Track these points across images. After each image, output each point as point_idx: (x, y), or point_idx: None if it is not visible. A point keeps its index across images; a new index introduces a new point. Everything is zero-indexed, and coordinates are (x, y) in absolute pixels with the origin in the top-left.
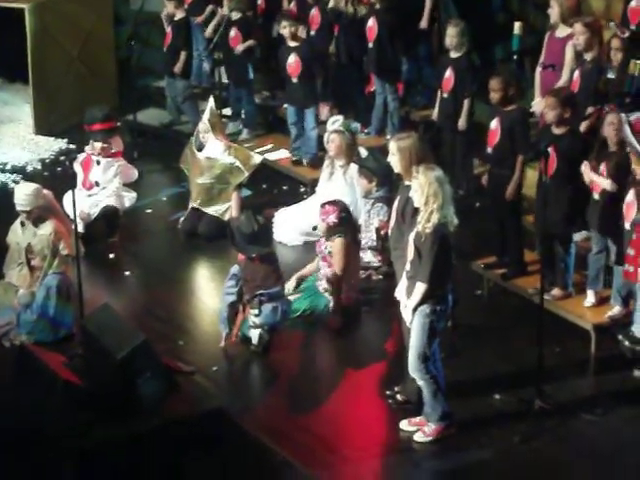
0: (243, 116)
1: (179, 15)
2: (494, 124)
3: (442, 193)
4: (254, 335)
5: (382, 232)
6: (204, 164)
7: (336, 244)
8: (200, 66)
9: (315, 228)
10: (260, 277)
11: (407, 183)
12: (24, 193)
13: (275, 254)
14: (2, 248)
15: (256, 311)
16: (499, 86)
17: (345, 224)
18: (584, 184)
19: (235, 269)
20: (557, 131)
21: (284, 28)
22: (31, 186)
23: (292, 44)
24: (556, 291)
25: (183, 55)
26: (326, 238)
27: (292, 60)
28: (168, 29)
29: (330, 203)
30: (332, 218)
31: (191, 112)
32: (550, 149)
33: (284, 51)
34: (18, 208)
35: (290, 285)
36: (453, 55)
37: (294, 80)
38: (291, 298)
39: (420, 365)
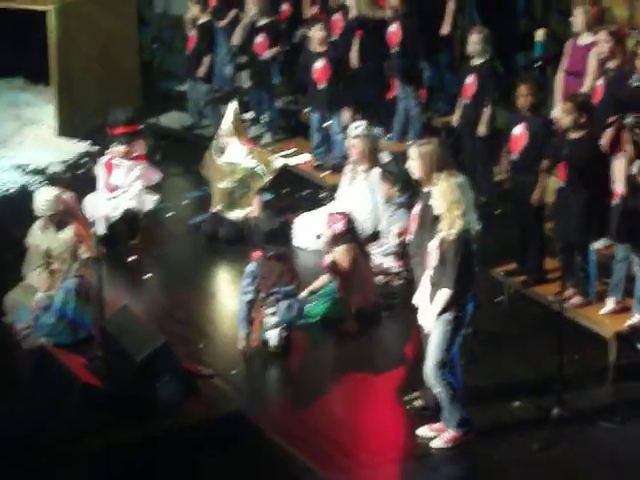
0: (264, 120)
1: (203, 19)
2: (519, 130)
3: (465, 199)
4: (272, 336)
5: (403, 238)
6: (225, 169)
7: (340, 250)
8: (222, 70)
9: (319, 236)
10: (276, 275)
11: (427, 190)
12: (44, 199)
13: (291, 253)
14: (23, 249)
15: (272, 309)
16: (529, 91)
17: (350, 234)
18: (602, 190)
19: (251, 267)
20: (573, 136)
21: (316, 32)
22: (51, 192)
23: (320, 49)
24: (575, 299)
25: (207, 59)
26: (329, 248)
27: (320, 65)
28: (192, 33)
29: (339, 212)
30: (339, 226)
31: (213, 116)
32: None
33: (309, 56)
34: (38, 214)
35: (303, 296)
36: (475, 62)
37: (321, 85)
38: (310, 303)
39: (437, 372)
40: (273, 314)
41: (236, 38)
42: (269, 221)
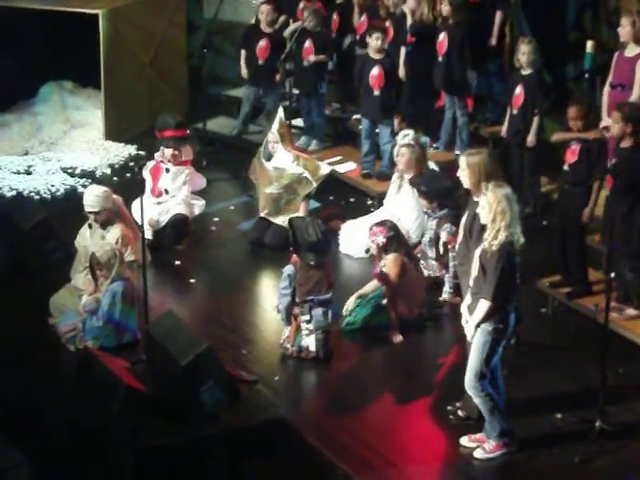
0: (307, 127)
1: (270, 28)
2: (574, 144)
3: (510, 211)
4: (311, 343)
5: (450, 246)
6: (272, 174)
7: (389, 260)
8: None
9: (368, 251)
10: (313, 282)
11: (476, 199)
12: (94, 194)
13: (330, 261)
14: (70, 251)
15: (307, 317)
16: (578, 115)
17: (395, 242)
18: None
19: (288, 270)
20: (622, 145)
21: (374, 40)
22: (101, 188)
23: (376, 56)
24: (630, 311)
25: (281, 65)
26: (379, 258)
27: (376, 72)
28: (262, 42)
29: (378, 224)
30: (380, 239)
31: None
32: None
33: (364, 63)
34: (87, 209)
35: (349, 303)
36: (524, 72)
37: (376, 92)
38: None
39: (476, 383)
40: (308, 322)
41: (289, 31)
42: (312, 229)
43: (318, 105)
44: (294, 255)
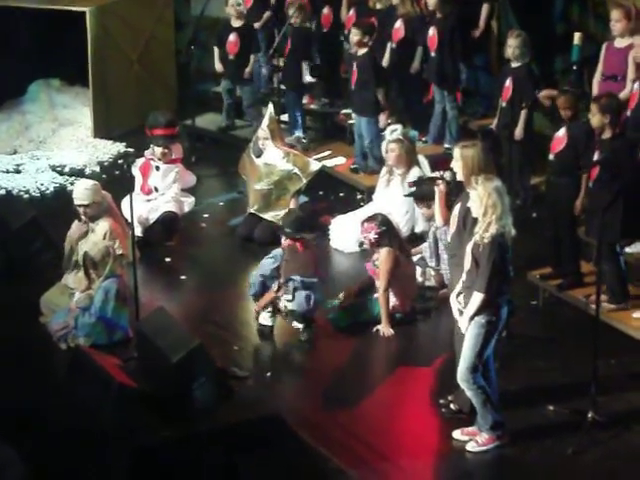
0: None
1: (239, 23)
2: (561, 132)
3: (501, 204)
4: (300, 326)
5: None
6: (262, 170)
7: (382, 254)
8: (259, 72)
9: (361, 245)
10: (300, 262)
11: (469, 191)
12: (83, 187)
13: (317, 247)
14: (59, 250)
15: (289, 297)
16: (567, 104)
17: (387, 237)
18: (634, 192)
19: (276, 251)
20: (604, 136)
21: (354, 35)
22: (90, 181)
23: (358, 52)
24: (605, 304)
25: (252, 59)
26: (372, 253)
27: (354, 69)
28: (231, 37)
29: (368, 220)
30: (372, 235)
31: (255, 117)
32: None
33: (349, 58)
34: (76, 202)
35: (340, 297)
36: (514, 65)
37: (353, 88)
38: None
39: (469, 375)
40: (290, 301)
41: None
42: (297, 211)
43: (296, 98)
44: (285, 242)
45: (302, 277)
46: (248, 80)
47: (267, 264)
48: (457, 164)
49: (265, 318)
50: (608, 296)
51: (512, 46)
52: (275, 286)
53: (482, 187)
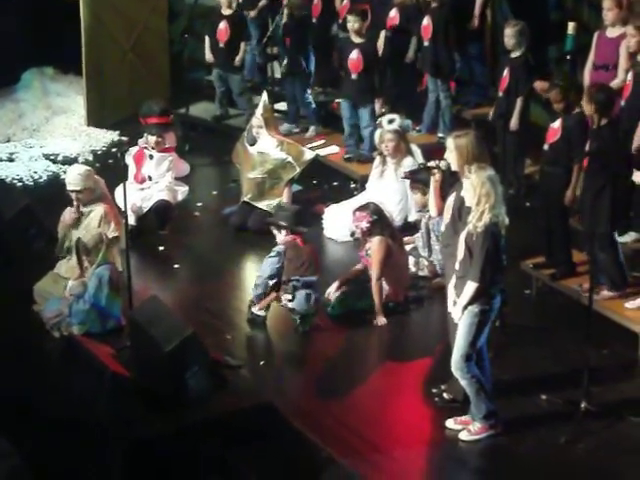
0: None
1: (229, 10)
2: (557, 124)
3: (494, 193)
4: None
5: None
6: (256, 159)
7: (374, 243)
8: (253, 60)
9: (353, 234)
10: (300, 262)
11: (463, 180)
12: (76, 172)
13: (315, 245)
14: (53, 238)
15: (289, 296)
16: (559, 97)
17: (378, 226)
18: (625, 182)
19: (279, 247)
20: (594, 126)
21: (353, 23)
22: (83, 167)
23: (356, 40)
24: (605, 292)
25: (242, 47)
26: (364, 242)
27: (354, 56)
28: (221, 25)
29: (360, 209)
30: (364, 224)
31: (246, 106)
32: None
33: (344, 46)
34: (69, 188)
35: (333, 287)
36: (512, 55)
37: (353, 76)
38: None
39: (463, 365)
40: (290, 301)
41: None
42: (291, 205)
43: (302, 89)
44: (287, 237)
45: (302, 276)
46: (238, 68)
47: (271, 263)
48: (451, 155)
49: (261, 310)
50: (608, 285)
51: (507, 36)
52: (273, 284)
53: (475, 176)
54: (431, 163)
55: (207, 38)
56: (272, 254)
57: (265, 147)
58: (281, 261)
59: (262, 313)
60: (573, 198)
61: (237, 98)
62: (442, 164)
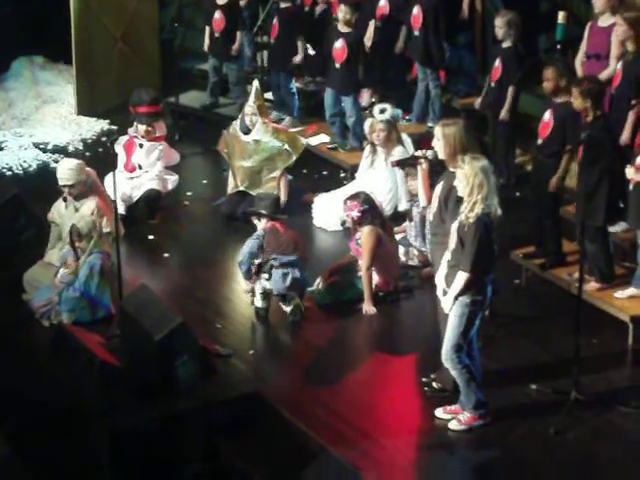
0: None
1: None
2: (547, 116)
3: (487, 184)
4: (287, 309)
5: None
6: (250, 147)
7: (364, 232)
8: (243, 50)
9: (343, 223)
10: (280, 243)
11: (451, 170)
12: (67, 167)
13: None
14: (43, 227)
15: (266, 275)
16: (551, 75)
17: (369, 215)
18: (618, 173)
19: (260, 231)
20: (587, 119)
21: (342, 14)
22: (74, 161)
23: (343, 29)
24: (592, 283)
25: (239, 36)
26: (354, 231)
27: (339, 45)
28: (217, 15)
29: (351, 198)
30: (354, 213)
31: (241, 95)
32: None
33: (332, 35)
34: (61, 183)
35: (323, 276)
36: (503, 45)
37: (337, 65)
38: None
39: (453, 355)
40: (267, 280)
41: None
42: (268, 194)
43: (286, 82)
44: (268, 223)
45: (280, 256)
46: (235, 57)
47: (250, 244)
48: (438, 143)
49: (259, 300)
50: (595, 277)
51: (498, 25)
52: (258, 264)
53: (469, 166)
54: (418, 152)
55: (207, 28)
56: (252, 237)
57: (260, 135)
58: (260, 243)
59: (263, 305)
60: (558, 184)
61: (233, 87)
62: (429, 153)
